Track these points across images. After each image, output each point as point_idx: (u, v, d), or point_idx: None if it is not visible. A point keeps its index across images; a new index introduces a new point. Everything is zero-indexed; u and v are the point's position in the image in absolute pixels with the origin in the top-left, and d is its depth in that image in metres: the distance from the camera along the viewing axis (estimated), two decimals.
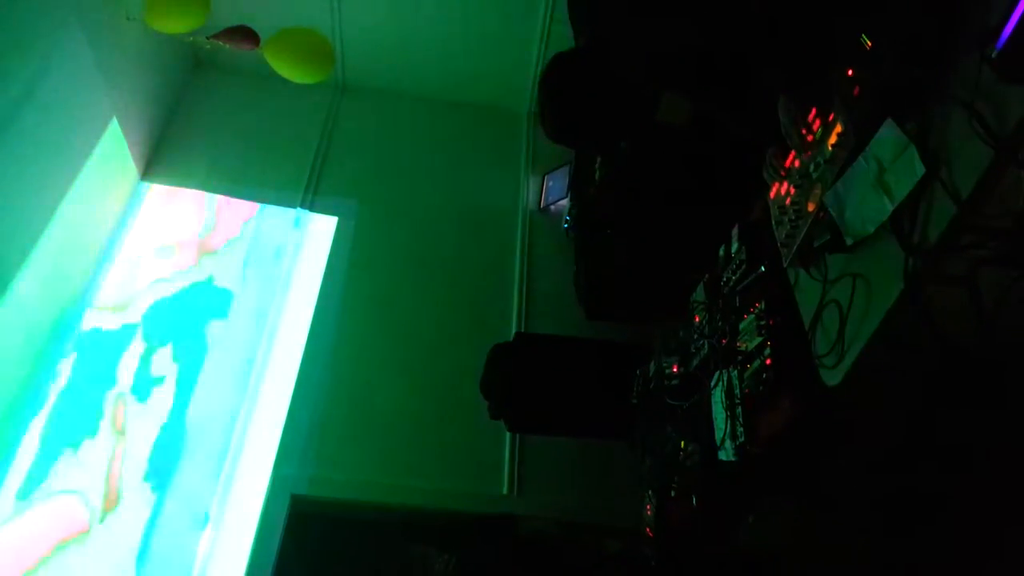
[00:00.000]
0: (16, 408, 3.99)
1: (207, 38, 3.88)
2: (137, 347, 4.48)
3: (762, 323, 2.17)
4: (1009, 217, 1.57)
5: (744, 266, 2.38)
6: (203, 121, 5.45)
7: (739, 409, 2.17)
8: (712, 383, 2.39)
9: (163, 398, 4.34)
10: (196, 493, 4.11)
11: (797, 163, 2.00)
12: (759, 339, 2.15)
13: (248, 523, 4.02)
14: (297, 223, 5.16)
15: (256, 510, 4.05)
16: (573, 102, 2.41)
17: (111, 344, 4.45)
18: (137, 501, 4.03)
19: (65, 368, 4.28)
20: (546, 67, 2.48)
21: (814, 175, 1.88)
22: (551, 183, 5.43)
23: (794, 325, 2.01)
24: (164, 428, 4.25)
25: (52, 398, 4.15)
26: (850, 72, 1.74)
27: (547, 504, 4.23)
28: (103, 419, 4.20)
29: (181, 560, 3.92)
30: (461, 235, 5.23)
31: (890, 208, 1.59)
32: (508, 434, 4.33)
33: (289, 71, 3.84)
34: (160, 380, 4.39)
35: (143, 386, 4.36)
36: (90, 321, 4.47)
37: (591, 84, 2.40)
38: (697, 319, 2.69)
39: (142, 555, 3.91)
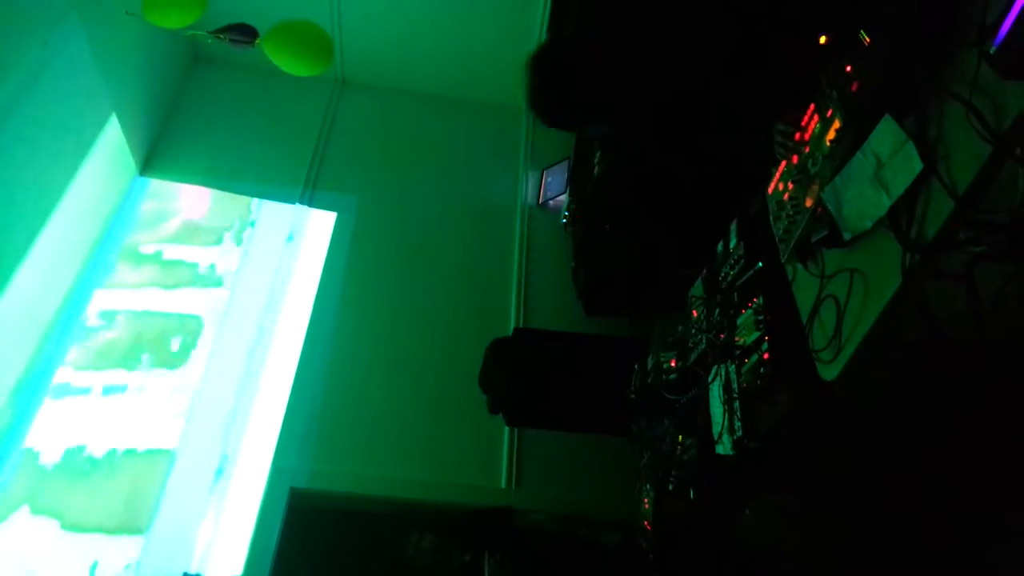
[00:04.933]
0: (17, 400, 3.99)
1: (209, 33, 3.87)
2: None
3: (760, 318, 2.18)
4: (1007, 213, 1.58)
5: (742, 261, 2.39)
6: (202, 115, 5.45)
7: (737, 403, 2.18)
8: (710, 377, 2.40)
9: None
10: (197, 485, 4.12)
11: (807, 148, 1.99)
12: (757, 334, 2.16)
13: (247, 516, 4.03)
14: (296, 218, 5.16)
15: (255, 503, 4.06)
16: (566, 81, 2.39)
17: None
18: None
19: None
20: (536, 51, 2.45)
21: (812, 170, 1.89)
22: (550, 178, 5.43)
23: (791, 320, 2.01)
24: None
25: None
26: (848, 68, 1.75)
27: (545, 498, 4.24)
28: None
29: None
30: (460, 230, 5.23)
31: (888, 203, 1.59)
32: (506, 428, 4.33)
33: (288, 64, 3.83)
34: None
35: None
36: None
37: (584, 64, 2.37)
38: (695, 314, 2.69)
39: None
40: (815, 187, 1.86)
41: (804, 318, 1.94)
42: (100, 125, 4.41)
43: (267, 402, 4.41)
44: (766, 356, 2.09)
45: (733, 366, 2.26)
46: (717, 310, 2.50)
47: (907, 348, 1.88)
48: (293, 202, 5.20)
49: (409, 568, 4.16)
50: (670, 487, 2.61)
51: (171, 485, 4.10)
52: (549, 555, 3.96)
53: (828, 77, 1.84)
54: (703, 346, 2.53)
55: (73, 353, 4.32)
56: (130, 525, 3.94)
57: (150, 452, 4.17)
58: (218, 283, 4.81)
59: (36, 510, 3.90)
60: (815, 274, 1.90)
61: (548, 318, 4.78)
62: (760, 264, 2.28)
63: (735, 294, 2.40)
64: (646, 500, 2.78)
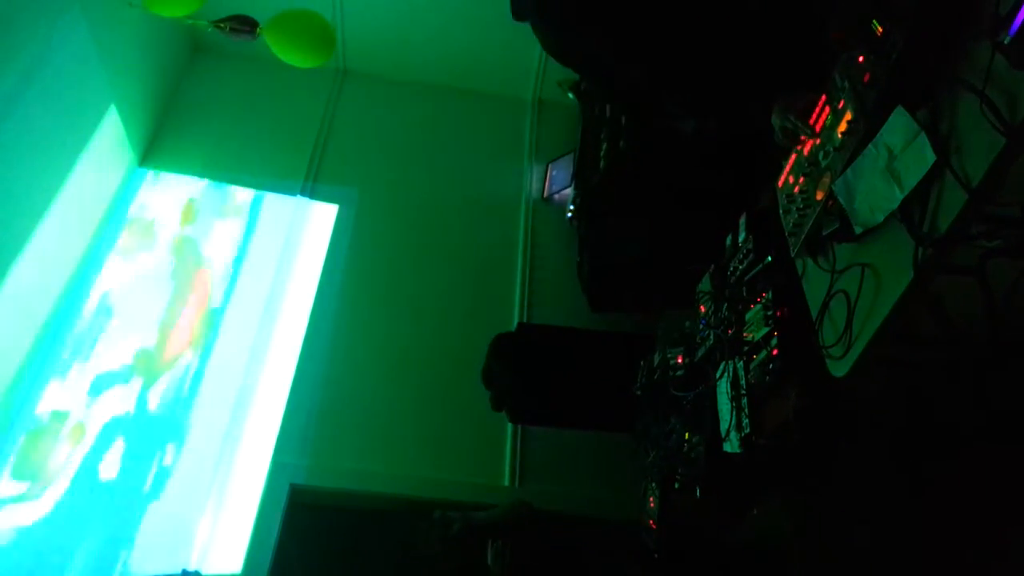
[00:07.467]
0: (13, 395, 3.98)
1: (209, 22, 3.85)
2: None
3: (769, 313, 2.15)
4: (1020, 206, 1.55)
5: (751, 256, 2.36)
6: (202, 107, 5.42)
7: (745, 400, 2.15)
8: (717, 374, 2.37)
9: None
10: (196, 481, 4.10)
11: (817, 140, 1.94)
12: (766, 329, 2.13)
13: (247, 512, 4.01)
14: (297, 211, 5.13)
15: (255, 499, 4.04)
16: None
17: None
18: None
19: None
20: None
21: (823, 163, 1.86)
22: (555, 172, 5.40)
23: (801, 315, 1.98)
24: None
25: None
26: (861, 59, 1.72)
27: (549, 496, 4.21)
28: None
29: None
30: (463, 224, 5.20)
31: (900, 196, 1.56)
32: (510, 424, 4.31)
33: (289, 54, 3.81)
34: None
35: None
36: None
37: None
38: (703, 309, 2.66)
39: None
40: (826, 180, 1.83)
41: (814, 313, 1.91)
42: (100, 116, 4.39)
43: (267, 397, 4.38)
44: (775, 352, 2.06)
45: (741, 362, 2.23)
46: (725, 305, 2.47)
47: (918, 344, 1.85)
48: (294, 194, 5.18)
49: (411, 567, 4.14)
50: (676, 485, 2.59)
51: (171, 479, 4.09)
52: (553, 553, 3.93)
53: (840, 68, 1.81)
54: (711, 342, 2.51)
55: (71, 344, 4.30)
56: None
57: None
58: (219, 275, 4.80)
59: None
60: (825, 268, 1.87)
61: (552, 313, 4.74)
62: (769, 258, 2.25)
63: (744, 289, 2.37)
64: (652, 498, 2.76)
